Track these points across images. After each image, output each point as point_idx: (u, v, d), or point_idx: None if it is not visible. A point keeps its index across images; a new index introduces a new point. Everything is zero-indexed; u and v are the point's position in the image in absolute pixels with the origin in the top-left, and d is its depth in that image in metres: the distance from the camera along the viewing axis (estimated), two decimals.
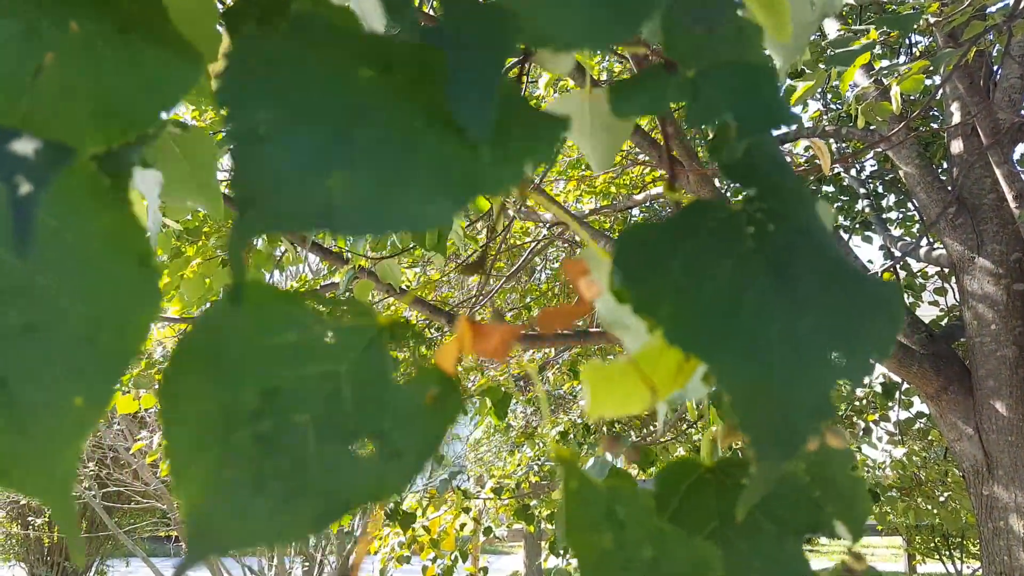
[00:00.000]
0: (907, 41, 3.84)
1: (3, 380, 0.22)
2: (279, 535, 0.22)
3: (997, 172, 2.71)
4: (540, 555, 6.64)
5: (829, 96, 4.16)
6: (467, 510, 4.04)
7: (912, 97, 3.22)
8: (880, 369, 3.34)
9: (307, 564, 5.04)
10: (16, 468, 0.22)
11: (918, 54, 3.69)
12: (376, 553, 4.24)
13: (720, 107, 0.30)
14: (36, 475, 0.22)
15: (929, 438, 4.48)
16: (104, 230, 0.24)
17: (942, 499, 4.56)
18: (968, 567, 5.63)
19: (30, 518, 5.86)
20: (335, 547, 4.95)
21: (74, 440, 0.22)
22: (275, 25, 0.29)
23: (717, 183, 2.43)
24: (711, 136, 0.31)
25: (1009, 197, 2.63)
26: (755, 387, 0.24)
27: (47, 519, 6.05)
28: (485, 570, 4.33)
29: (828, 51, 2.81)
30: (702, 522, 0.29)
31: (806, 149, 4.36)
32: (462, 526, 4.20)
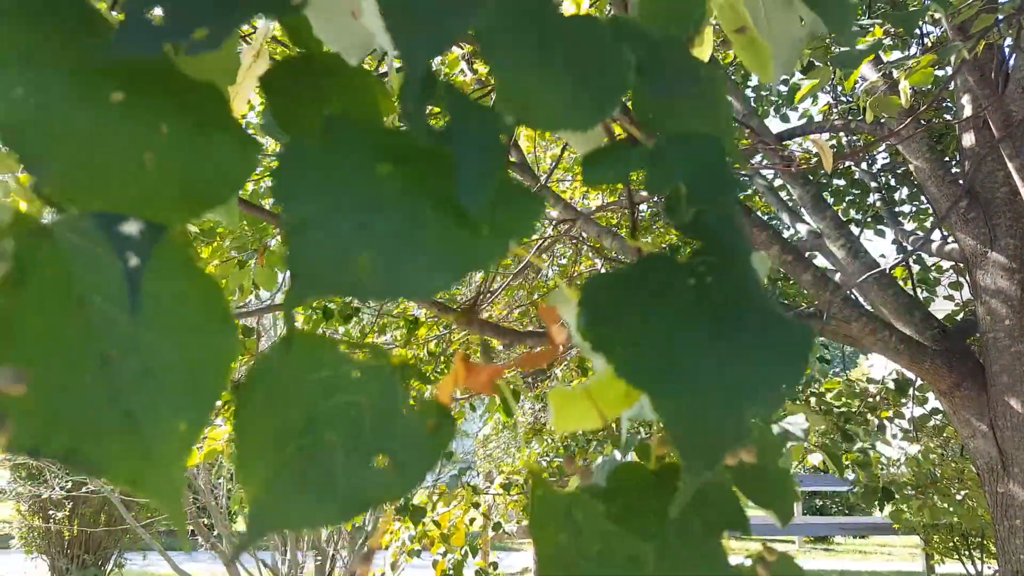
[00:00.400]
0: (919, 32, 3.84)
1: (131, 413, 0.29)
2: (314, 523, 0.29)
3: (1010, 165, 2.72)
4: None
5: (840, 88, 4.16)
6: (476, 505, 4.12)
7: (925, 88, 3.23)
8: (892, 365, 3.37)
9: (319, 559, 5.15)
10: (142, 479, 0.29)
11: (929, 45, 3.69)
12: (388, 548, 4.31)
13: (674, 177, 0.36)
14: (156, 484, 0.29)
15: (944, 435, 4.48)
16: (192, 292, 0.31)
17: (959, 497, 4.55)
18: (988, 567, 5.61)
19: (51, 512, 6.01)
20: (347, 542, 5.05)
21: (182, 456, 0.30)
22: (311, 120, 0.36)
23: None
24: (667, 198, 0.38)
25: (1022, 190, 2.64)
26: (685, 415, 0.30)
27: (67, 513, 6.23)
28: (495, 565, 4.40)
29: (834, 48, 2.84)
30: (643, 519, 0.35)
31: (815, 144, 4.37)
32: (471, 521, 4.28)
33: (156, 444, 0.29)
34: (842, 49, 2.37)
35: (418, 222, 0.31)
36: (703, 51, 0.66)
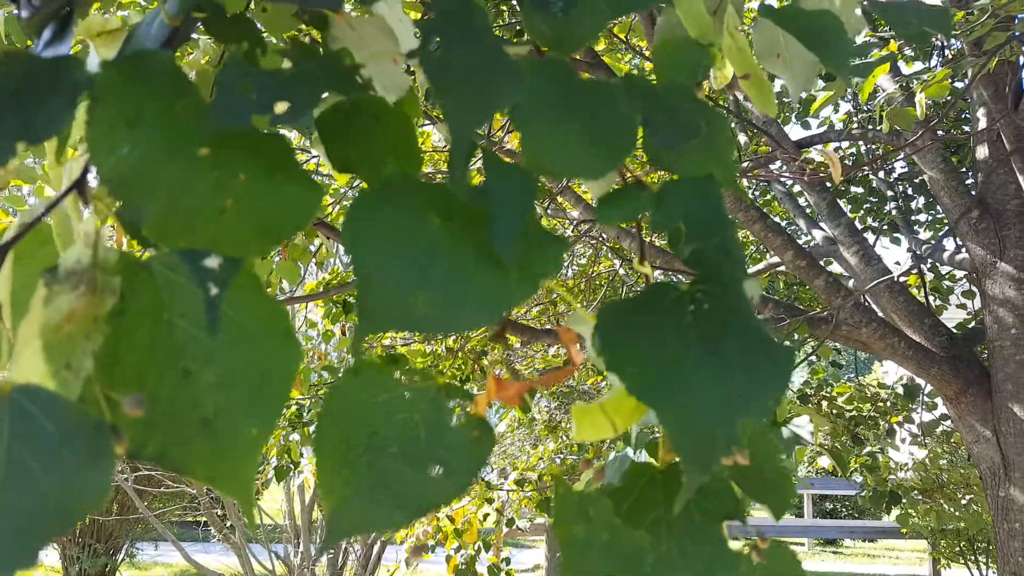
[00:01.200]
0: (939, 44, 3.86)
1: (208, 420, 0.35)
2: (384, 526, 0.36)
3: (1020, 179, 2.76)
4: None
5: (859, 96, 4.18)
6: (490, 501, 4.17)
7: (944, 99, 3.26)
8: (901, 371, 3.39)
9: (332, 552, 5.22)
10: (218, 477, 0.36)
11: (950, 57, 3.71)
12: (402, 543, 4.38)
13: (675, 217, 0.43)
14: (230, 481, 0.36)
15: (952, 440, 4.50)
16: (261, 314, 0.38)
17: (964, 502, 4.57)
18: (994, 572, 5.59)
19: None
20: (359, 537, 5.12)
21: (253, 457, 0.36)
22: (360, 160, 0.42)
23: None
24: (669, 233, 0.44)
25: None
26: (684, 426, 0.36)
27: None
28: (507, 560, 4.45)
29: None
30: (650, 513, 0.42)
31: (836, 150, 4.39)
32: (485, 517, 4.34)
33: (230, 446, 0.35)
34: (857, 61, 2.40)
35: (465, 268, 0.37)
36: (725, 75, 0.72)
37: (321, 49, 0.53)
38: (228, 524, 5.39)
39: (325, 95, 0.43)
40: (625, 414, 0.44)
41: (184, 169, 0.38)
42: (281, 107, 0.37)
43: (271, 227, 0.39)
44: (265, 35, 0.54)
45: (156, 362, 0.36)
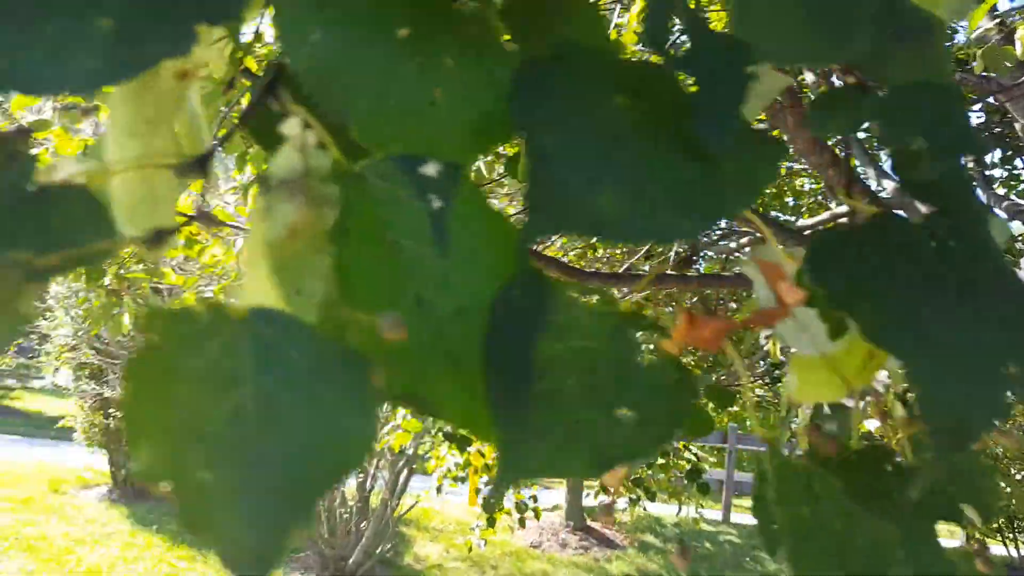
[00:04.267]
0: None
1: (451, 353, 0.30)
2: (558, 472, 0.29)
3: None
4: (582, 492, 6.86)
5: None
6: None
7: None
8: None
9: (360, 475, 5.31)
10: (472, 418, 0.30)
11: None
12: (432, 473, 4.45)
13: (913, 130, 0.34)
14: (486, 427, 0.29)
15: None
16: (490, 230, 0.31)
17: (1019, 477, 4.44)
18: None
19: (111, 411, 6.31)
20: (388, 463, 5.20)
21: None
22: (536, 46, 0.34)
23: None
24: (897, 152, 0.35)
25: None
26: (940, 387, 0.28)
27: None
28: (534, 498, 4.49)
29: None
30: (882, 500, 0.34)
31: None
32: None
33: (479, 382, 0.29)
34: None
35: (656, 159, 0.29)
36: None
37: None
38: None
39: None
40: (854, 368, 0.35)
41: (388, 56, 0.31)
42: None
43: (487, 122, 0.32)
44: None
45: (387, 289, 0.30)
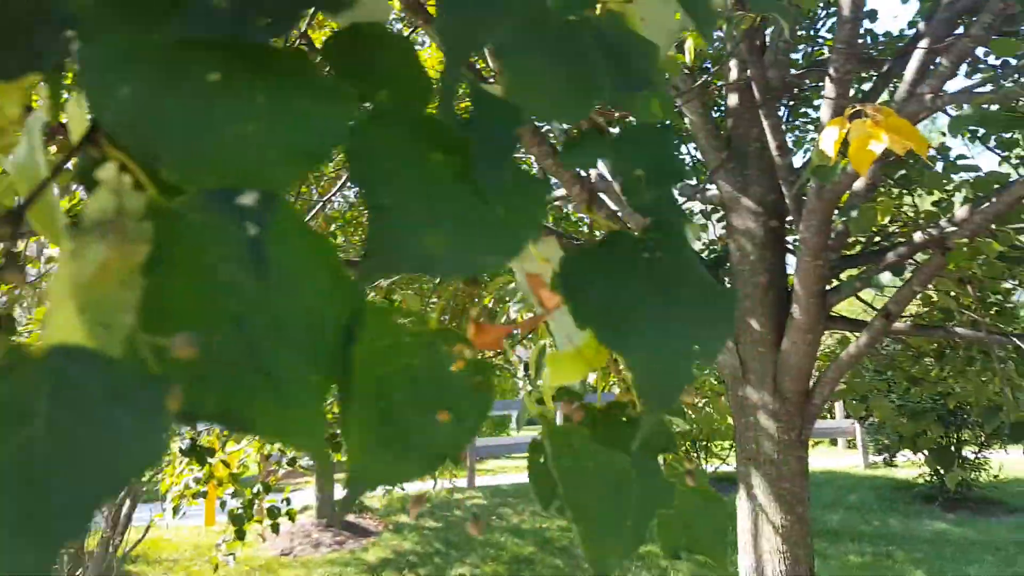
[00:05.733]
0: None
1: (267, 369, 0.31)
2: (397, 478, 0.34)
3: (765, 124, 3.18)
4: (333, 487, 6.81)
5: None
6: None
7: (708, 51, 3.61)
8: None
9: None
10: (286, 432, 0.31)
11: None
12: (167, 492, 4.10)
13: (634, 164, 0.44)
14: (299, 435, 0.31)
15: None
16: (307, 251, 0.33)
17: (700, 404, 5.41)
18: (710, 466, 6.69)
19: None
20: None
21: (319, 406, 0.32)
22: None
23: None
24: (625, 179, 0.45)
25: (773, 147, 3.11)
26: (646, 366, 0.39)
27: None
28: (288, 500, 4.35)
29: None
30: (618, 445, 0.45)
31: None
32: (267, 456, 4.21)
33: (294, 397, 0.31)
34: None
35: (468, 207, 0.36)
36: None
37: None
38: None
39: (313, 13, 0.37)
40: (593, 352, 0.46)
41: (196, 99, 0.32)
42: (261, 21, 0.31)
43: (300, 151, 0.34)
44: None
45: (204, 311, 0.31)
